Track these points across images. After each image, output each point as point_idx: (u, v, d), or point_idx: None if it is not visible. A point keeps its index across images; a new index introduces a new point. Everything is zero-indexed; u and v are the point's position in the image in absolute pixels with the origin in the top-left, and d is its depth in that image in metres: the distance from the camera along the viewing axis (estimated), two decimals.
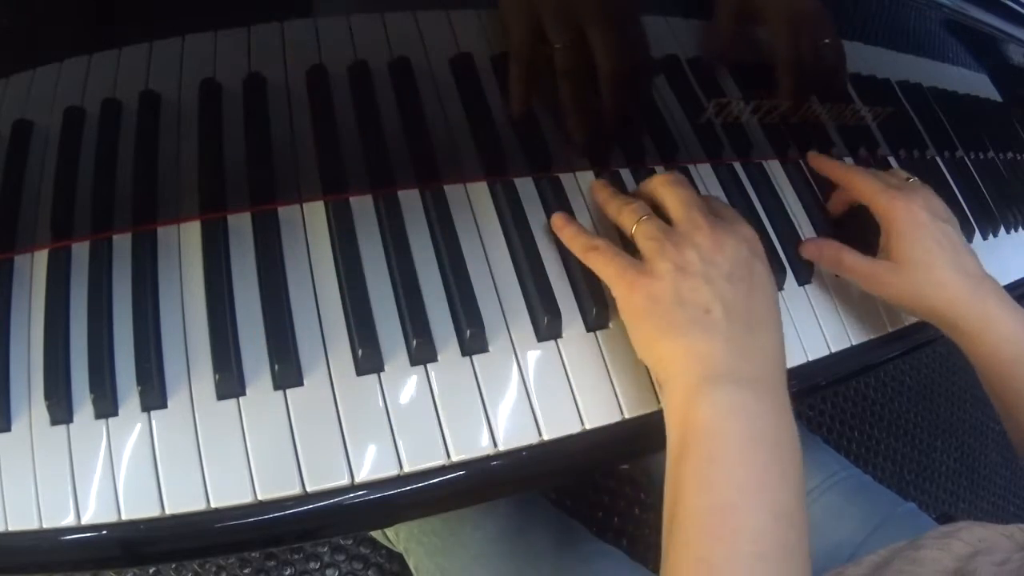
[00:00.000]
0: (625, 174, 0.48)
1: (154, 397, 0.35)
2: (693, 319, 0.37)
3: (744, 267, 0.39)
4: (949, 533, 0.38)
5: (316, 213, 0.41)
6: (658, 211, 0.42)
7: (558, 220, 0.43)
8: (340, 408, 0.37)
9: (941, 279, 0.45)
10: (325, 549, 0.91)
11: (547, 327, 0.40)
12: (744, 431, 0.34)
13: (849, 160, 0.59)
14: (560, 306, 0.41)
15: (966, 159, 0.69)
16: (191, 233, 0.40)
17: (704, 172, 0.51)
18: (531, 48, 0.40)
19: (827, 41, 0.48)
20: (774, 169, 0.54)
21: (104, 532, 0.34)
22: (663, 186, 0.42)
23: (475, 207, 0.44)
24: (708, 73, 0.47)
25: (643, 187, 0.45)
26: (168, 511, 0.34)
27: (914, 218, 0.46)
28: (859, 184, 0.49)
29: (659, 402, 0.41)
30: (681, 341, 0.36)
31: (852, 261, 0.47)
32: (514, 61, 0.41)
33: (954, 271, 0.45)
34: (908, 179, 0.50)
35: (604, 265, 0.40)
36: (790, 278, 0.49)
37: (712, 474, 0.34)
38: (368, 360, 0.38)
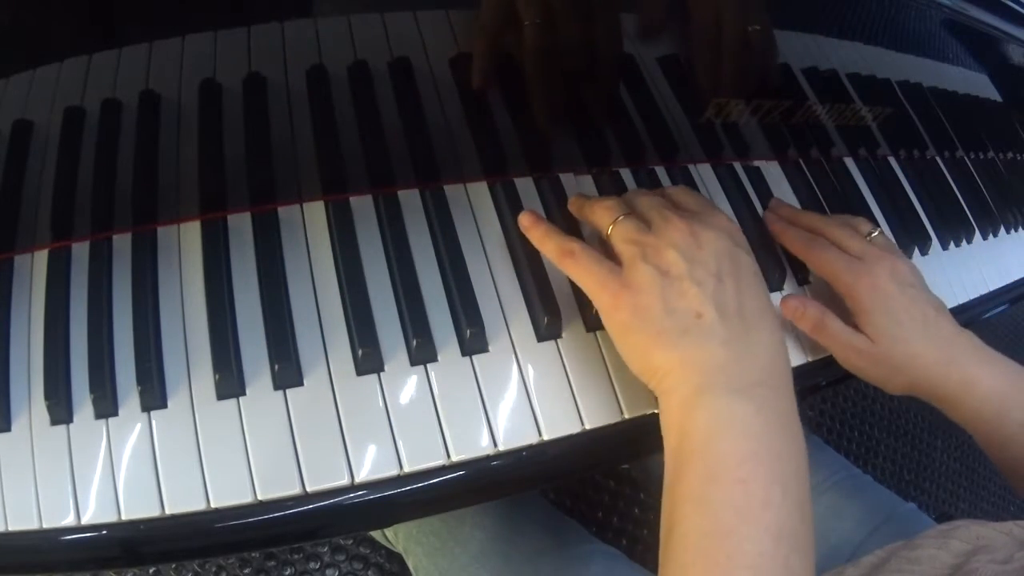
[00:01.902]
0: (626, 174, 0.48)
1: (154, 397, 0.35)
2: (685, 326, 0.35)
3: (729, 260, 0.37)
4: (947, 532, 0.38)
5: (316, 213, 0.41)
6: None
7: (525, 219, 0.41)
8: (340, 408, 0.37)
9: (914, 351, 0.43)
10: (325, 549, 0.91)
11: (547, 327, 0.40)
12: (743, 447, 0.33)
13: (849, 161, 0.59)
14: (560, 306, 0.41)
15: (966, 159, 0.69)
16: (191, 233, 0.40)
17: (704, 172, 0.51)
18: (500, 21, 0.38)
19: (756, 28, 0.44)
20: (774, 169, 0.54)
21: (104, 532, 0.34)
22: (631, 193, 0.41)
23: (475, 207, 0.44)
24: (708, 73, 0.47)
25: (590, 212, 0.42)
26: (168, 511, 0.34)
27: (881, 293, 0.44)
28: (818, 262, 0.46)
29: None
30: (675, 351, 0.35)
31: (834, 329, 0.44)
32: (480, 33, 0.38)
33: (926, 340, 0.43)
34: (870, 235, 0.47)
35: (582, 274, 0.38)
36: (790, 278, 0.49)
37: (710, 494, 0.32)
38: (368, 360, 0.38)
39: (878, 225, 0.48)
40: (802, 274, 0.49)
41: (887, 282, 0.44)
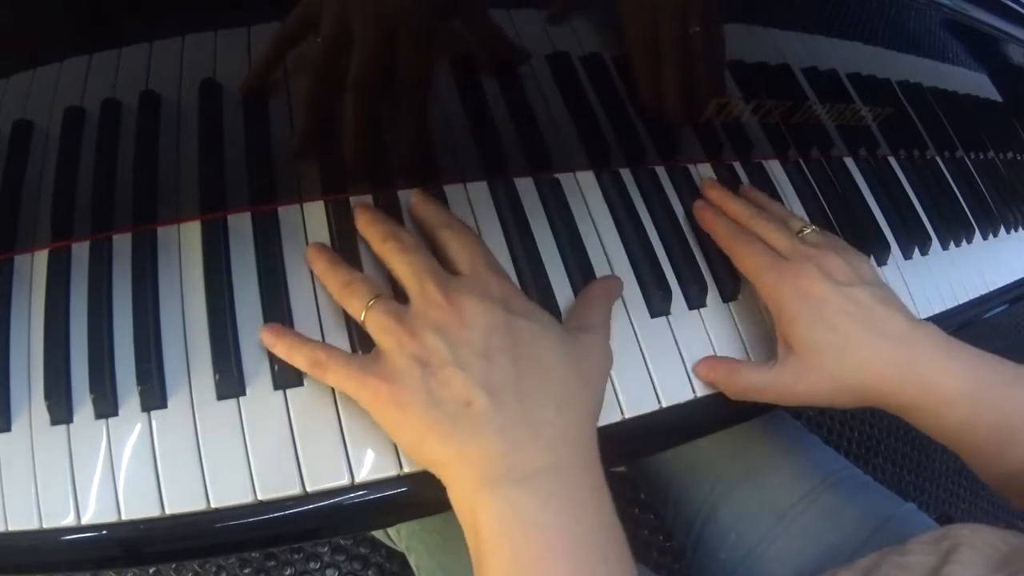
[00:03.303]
0: (625, 174, 0.48)
1: (154, 397, 0.35)
2: (454, 417, 0.31)
3: (501, 334, 0.33)
4: (938, 537, 0.37)
5: (316, 213, 0.41)
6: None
7: (267, 337, 0.36)
8: (340, 408, 0.37)
9: (858, 358, 0.37)
10: (325, 549, 0.91)
11: None
12: (536, 541, 0.29)
13: (849, 161, 0.59)
14: (560, 306, 0.41)
15: (966, 159, 0.69)
16: (191, 233, 0.40)
17: (704, 172, 0.51)
18: (295, 32, 0.33)
19: (696, 30, 0.40)
20: (774, 169, 0.54)
21: (104, 532, 0.34)
22: (391, 255, 0.36)
23: (475, 207, 0.44)
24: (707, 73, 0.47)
25: (370, 239, 0.38)
26: (168, 511, 0.34)
27: (806, 296, 0.38)
28: (741, 259, 0.42)
29: (659, 402, 0.41)
30: (449, 444, 0.31)
31: (749, 379, 0.39)
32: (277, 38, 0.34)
33: (872, 344, 0.37)
34: (801, 232, 0.42)
35: (338, 382, 0.34)
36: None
37: None
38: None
39: (811, 224, 0.44)
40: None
41: (816, 282, 0.39)
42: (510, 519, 0.30)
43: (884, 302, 0.39)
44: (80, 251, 0.39)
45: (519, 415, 0.31)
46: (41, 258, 0.39)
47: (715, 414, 0.43)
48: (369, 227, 0.38)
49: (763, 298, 0.41)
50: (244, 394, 0.36)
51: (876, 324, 0.38)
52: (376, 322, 0.34)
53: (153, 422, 0.35)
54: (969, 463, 0.39)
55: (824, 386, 0.38)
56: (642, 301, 0.44)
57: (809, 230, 0.43)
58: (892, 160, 0.62)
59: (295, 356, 0.35)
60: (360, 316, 0.35)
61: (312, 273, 0.40)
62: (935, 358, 0.37)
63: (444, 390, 0.32)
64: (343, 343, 0.38)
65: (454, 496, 0.32)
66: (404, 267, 0.36)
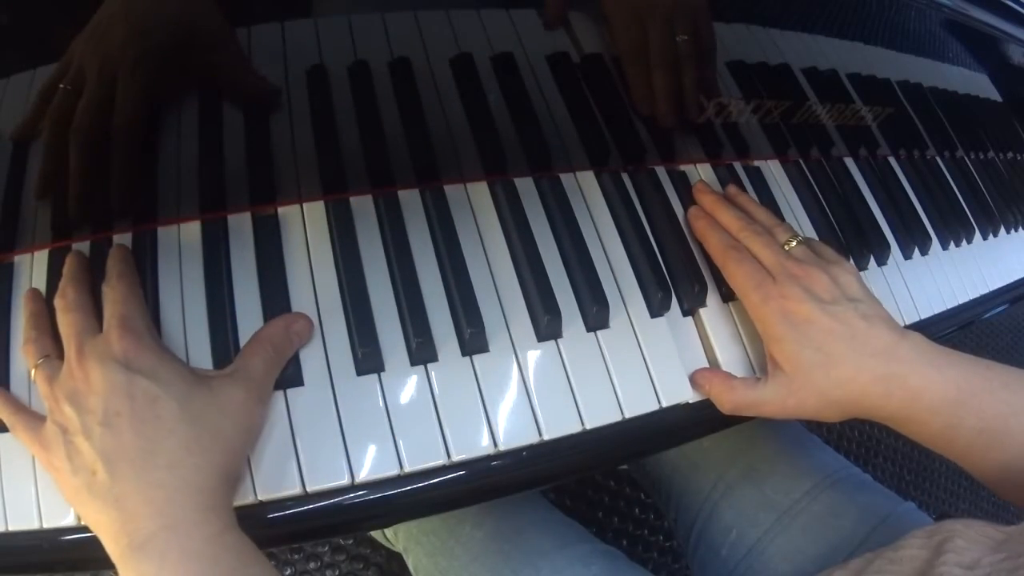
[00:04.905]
0: (625, 174, 0.48)
1: None
2: (88, 486, 0.32)
3: (120, 397, 0.32)
4: (932, 532, 0.37)
5: (316, 213, 0.41)
6: None
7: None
8: (340, 408, 0.37)
9: (844, 374, 0.38)
10: (325, 549, 0.91)
11: (547, 327, 0.40)
12: None
13: (849, 161, 0.59)
14: (560, 305, 0.41)
15: (966, 159, 0.69)
16: (191, 233, 0.40)
17: (704, 172, 0.51)
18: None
19: (685, 38, 0.41)
20: (774, 169, 0.54)
21: None
22: (57, 313, 0.36)
23: (475, 207, 0.44)
24: (708, 73, 0.47)
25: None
26: None
27: (791, 318, 0.40)
28: (730, 275, 0.43)
29: (659, 402, 0.41)
30: (90, 514, 0.32)
31: (742, 395, 0.41)
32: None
33: (858, 359, 0.38)
34: (788, 243, 0.43)
35: (17, 435, 0.35)
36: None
37: None
38: (368, 360, 0.38)
39: (800, 233, 0.45)
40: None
41: (800, 304, 0.40)
42: None
43: (867, 318, 0.40)
44: (80, 251, 0.39)
45: (133, 483, 0.31)
46: (41, 258, 0.39)
47: (716, 414, 0.43)
48: (62, 279, 0.38)
49: (751, 317, 0.42)
50: None
51: (860, 341, 0.39)
52: (39, 385, 0.35)
53: None
54: (961, 465, 0.40)
55: (811, 402, 0.40)
56: (642, 301, 0.44)
57: (795, 243, 0.44)
58: (892, 160, 0.62)
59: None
60: (32, 374, 0.36)
61: (312, 273, 0.40)
62: (919, 369, 0.38)
63: (78, 459, 0.32)
64: (343, 343, 0.38)
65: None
66: (62, 328, 0.36)
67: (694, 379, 0.43)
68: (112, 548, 0.31)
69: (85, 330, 0.35)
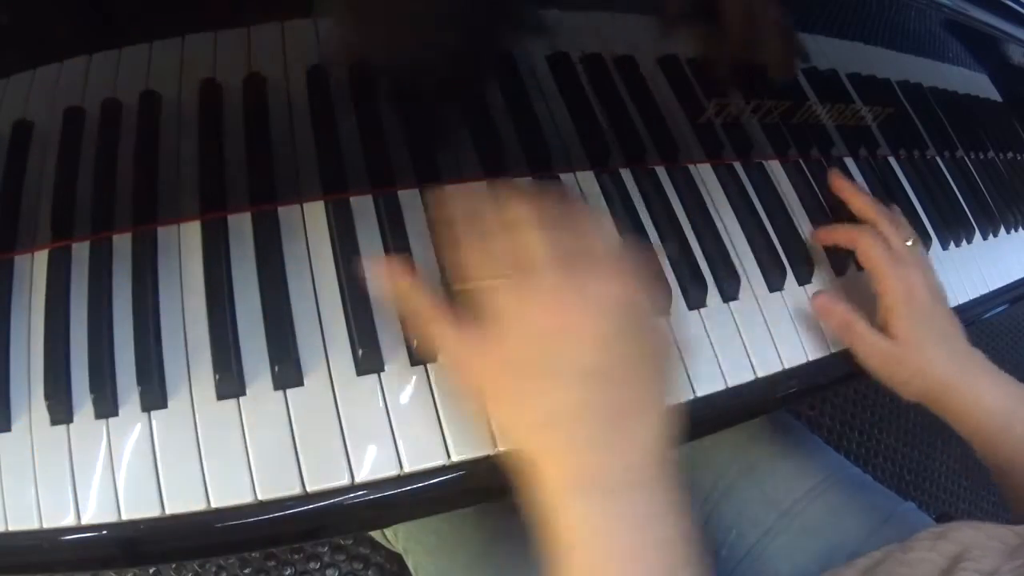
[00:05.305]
0: (625, 174, 0.48)
1: (154, 397, 0.35)
2: (555, 417, 0.32)
3: (617, 339, 0.33)
4: (940, 534, 0.37)
5: (316, 213, 0.41)
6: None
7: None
8: (340, 408, 0.37)
9: (933, 359, 0.45)
10: (325, 549, 0.91)
11: None
12: (615, 550, 0.31)
13: (849, 161, 0.59)
14: None
15: (966, 159, 0.69)
16: (191, 233, 0.40)
17: (704, 172, 0.51)
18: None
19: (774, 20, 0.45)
20: (774, 169, 0.54)
21: (104, 532, 0.34)
22: (517, 228, 0.34)
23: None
24: (708, 73, 0.47)
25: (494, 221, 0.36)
26: (168, 511, 0.34)
27: (912, 297, 0.46)
28: (866, 246, 0.48)
29: None
30: (541, 443, 0.32)
31: (861, 330, 0.46)
32: None
33: (947, 351, 0.46)
34: (908, 241, 0.49)
35: (450, 356, 0.35)
36: (790, 278, 0.49)
37: None
38: (368, 360, 0.38)
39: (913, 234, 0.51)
40: (803, 276, 0.49)
41: (922, 288, 0.46)
42: (591, 526, 0.31)
43: (954, 324, 0.47)
44: (80, 251, 0.39)
45: (609, 433, 0.32)
46: (41, 258, 0.39)
47: (717, 414, 0.43)
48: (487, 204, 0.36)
49: (876, 285, 0.47)
50: (244, 394, 0.36)
51: (948, 338, 0.46)
52: (492, 300, 0.33)
53: (153, 422, 0.35)
54: (999, 475, 0.46)
55: (902, 371, 0.46)
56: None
57: (912, 241, 0.50)
58: (892, 160, 0.62)
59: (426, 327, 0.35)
60: (483, 290, 0.34)
61: (312, 273, 0.40)
62: (983, 376, 0.45)
63: (553, 384, 0.32)
64: (343, 344, 0.38)
65: (540, 495, 0.32)
66: (531, 244, 0.34)
67: (817, 300, 0.48)
68: (563, 481, 0.31)
69: (573, 254, 0.33)
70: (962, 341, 0.47)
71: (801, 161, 0.55)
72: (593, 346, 0.32)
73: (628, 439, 0.32)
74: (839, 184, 0.53)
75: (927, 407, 0.47)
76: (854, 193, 0.52)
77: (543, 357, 0.32)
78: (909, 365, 0.45)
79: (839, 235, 0.50)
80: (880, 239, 0.48)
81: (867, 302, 0.48)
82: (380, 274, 0.37)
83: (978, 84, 0.62)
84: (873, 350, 0.46)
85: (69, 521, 0.34)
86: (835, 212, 0.54)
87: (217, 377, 0.36)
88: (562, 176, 0.46)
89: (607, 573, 0.31)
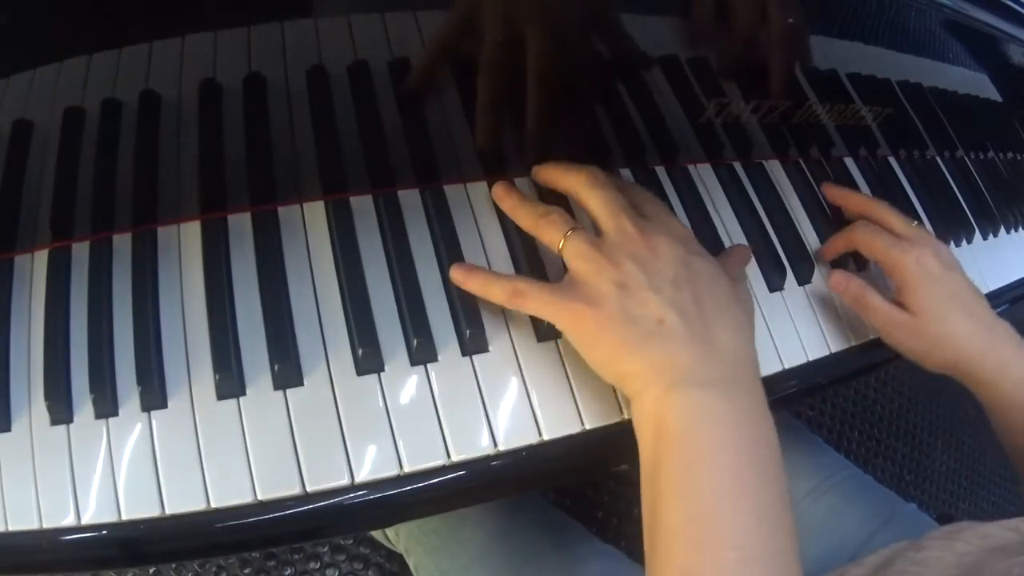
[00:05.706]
0: (625, 174, 0.48)
1: (154, 397, 0.35)
2: (648, 333, 0.35)
3: (685, 267, 0.38)
4: (951, 534, 0.38)
5: (316, 213, 0.41)
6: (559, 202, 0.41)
7: (471, 281, 0.39)
8: (340, 408, 0.37)
9: (956, 330, 0.45)
10: (325, 549, 0.91)
11: (547, 327, 0.40)
12: (717, 435, 0.34)
13: (849, 160, 0.59)
14: None
15: (966, 159, 0.69)
16: (191, 233, 0.40)
17: (704, 172, 0.51)
18: (457, 36, 0.37)
19: (791, 21, 0.45)
20: (774, 169, 0.54)
21: (104, 532, 0.34)
22: (585, 189, 0.40)
23: (475, 207, 0.44)
24: (708, 73, 0.47)
25: (557, 181, 0.42)
26: (168, 511, 0.34)
27: (925, 270, 0.46)
28: (867, 241, 0.49)
29: None
30: (642, 357, 0.35)
31: (876, 303, 0.47)
32: (434, 43, 0.38)
33: (968, 320, 0.45)
34: (913, 224, 0.50)
35: (538, 308, 0.38)
36: (790, 278, 0.49)
37: (689, 482, 0.33)
38: (368, 360, 0.38)
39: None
40: (803, 275, 0.50)
41: (932, 261, 0.46)
42: (698, 413, 0.34)
43: (975, 294, 0.47)
44: (80, 251, 0.39)
45: (703, 333, 0.36)
46: (41, 258, 0.39)
47: None
48: (553, 169, 0.42)
49: (888, 270, 0.48)
50: (244, 394, 0.36)
51: (969, 308, 0.46)
52: (576, 250, 0.38)
53: (153, 422, 0.35)
54: (1017, 449, 0.46)
55: (923, 343, 0.46)
56: None
57: (915, 223, 0.50)
58: (892, 160, 0.62)
59: (492, 289, 0.39)
60: (558, 245, 0.38)
61: (312, 273, 0.40)
62: (1010, 345, 0.45)
63: (641, 310, 0.36)
64: (343, 344, 0.38)
65: (639, 404, 0.36)
66: (600, 201, 0.39)
67: (832, 276, 0.48)
68: (665, 383, 0.35)
69: (629, 206, 0.39)
70: (985, 310, 0.47)
71: (801, 161, 0.55)
72: (678, 261, 0.37)
73: (719, 342, 0.36)
74: (832, 192, 0.54)
75: (953, 377, 0.47)
76: (847, 195, 0.53)
77: (639, 274, 0.36)
78: (928, 336, 0.46)
79: (839, 244, 0.51)
80: (877, 229, 0.49)
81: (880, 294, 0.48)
82: (457, 279, 0.40)
83: (978, 84, 0.62)
84: (889, 322, 0.46)
85: (69, 521, 0.34)
86: (835, 212, 0.54)
87: (217, 377, 0.36)
88: None
89: (712, 459, 0.33)
